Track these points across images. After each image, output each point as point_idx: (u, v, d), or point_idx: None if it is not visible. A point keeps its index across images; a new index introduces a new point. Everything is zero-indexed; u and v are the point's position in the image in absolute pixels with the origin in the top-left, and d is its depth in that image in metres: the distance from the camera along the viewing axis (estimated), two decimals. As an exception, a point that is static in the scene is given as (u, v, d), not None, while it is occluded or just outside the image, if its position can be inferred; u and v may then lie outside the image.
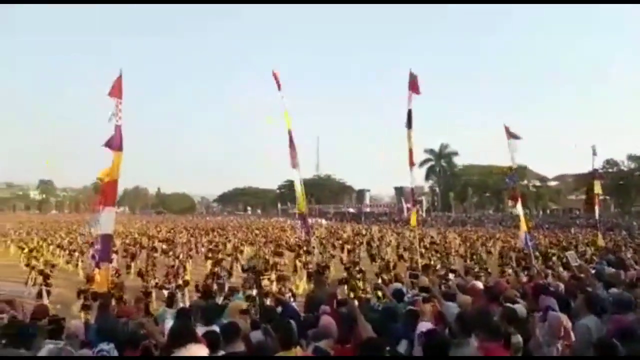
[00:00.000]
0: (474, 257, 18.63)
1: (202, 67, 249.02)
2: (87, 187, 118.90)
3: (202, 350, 3.69)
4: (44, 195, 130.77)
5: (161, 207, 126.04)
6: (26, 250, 22.29)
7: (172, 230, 41.19)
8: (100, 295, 6.11)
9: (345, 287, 9.58)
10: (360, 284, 11.13)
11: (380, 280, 12.14)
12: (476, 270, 13.58)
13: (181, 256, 19.61)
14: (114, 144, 6.74)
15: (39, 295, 12.13)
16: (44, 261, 16.95)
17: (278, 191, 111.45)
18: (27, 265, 16.19)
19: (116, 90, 6.85)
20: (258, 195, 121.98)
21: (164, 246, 26.01)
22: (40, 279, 13.30)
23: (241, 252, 24.56)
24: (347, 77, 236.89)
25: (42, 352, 4.13)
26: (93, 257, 17.78)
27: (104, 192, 6.95)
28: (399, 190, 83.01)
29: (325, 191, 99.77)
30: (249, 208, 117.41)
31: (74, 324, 4.97)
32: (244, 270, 12.35)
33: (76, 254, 20.88)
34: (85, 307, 9.91)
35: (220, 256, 19.33)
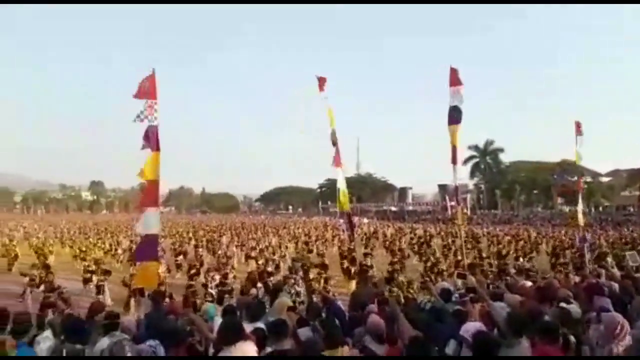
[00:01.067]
0: (524, 255, 17.97)
1: (246, 68, 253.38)
2: (135, 188, 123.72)
3: (251, 347, 3.70)
4: (94, 196, 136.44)
5: (205, 207, 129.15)
6: (78, 249, 23.35)
7: (217, 229, 41.93)
8: (154, 292, 6.24)
9: (390, 286, 9.49)
10: (406, 283, 10.99)
11: (426, 280, 11.96)
12: (528, 269, 13.18)
13: (231, 256, 19.80)
14: (151, 144, 6.80)
15: (99, 291, 12.61)
16: (95, 259, 17.48)
17: (318, 190, 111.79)
18: (86, 271, 16.64)
19: (150, 91, 6.83)
20: (299, 194, 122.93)
21: (210, 245, 26.59)
22: (94, 277, 13.82)
23: (286, 247, 24.88)
24: (387, 74, 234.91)
25: (99, 347, 4.24)
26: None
27: (146, 192, 7.07)
28: (443, 188, 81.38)
29: (366, 190, 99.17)
30: (290, 207, 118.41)
31: (127, 320, 5.18)
32: (290, 269, 12.34)
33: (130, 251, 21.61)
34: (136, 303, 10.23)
35: (267, 254, 19.53)
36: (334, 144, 9.61)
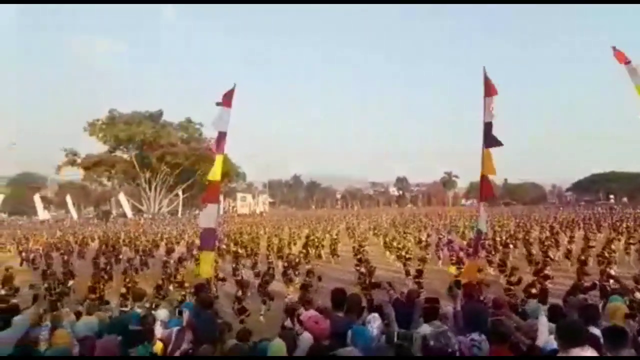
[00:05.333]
0: None
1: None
2: (437, 182, 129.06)
3: (592, 354, 3.38)
4: (400, 192, 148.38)
5: (508, 198, 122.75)
6: (390, 241, 25.59)
7: (524, 224, 38.87)
8: (466, 285, 6.41)
9: None
10: None
11: None
12: None
13: (551, 257, 17.82)
14: (489, 142, 7.08)
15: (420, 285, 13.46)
16: (420, 258, 17.88)
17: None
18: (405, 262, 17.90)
19: (491, 90, 7.26)
20: (624, 181, 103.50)
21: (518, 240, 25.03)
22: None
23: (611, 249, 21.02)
24: None
25: (421, 332, 4.29)
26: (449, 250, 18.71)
27: (483, 188, 7.42)
28: None
29: None
30: (611, 196, 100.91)
31: (445, 309, 5.19)
32: None
33: (444, 250, 22.25)
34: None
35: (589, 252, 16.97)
36: None
